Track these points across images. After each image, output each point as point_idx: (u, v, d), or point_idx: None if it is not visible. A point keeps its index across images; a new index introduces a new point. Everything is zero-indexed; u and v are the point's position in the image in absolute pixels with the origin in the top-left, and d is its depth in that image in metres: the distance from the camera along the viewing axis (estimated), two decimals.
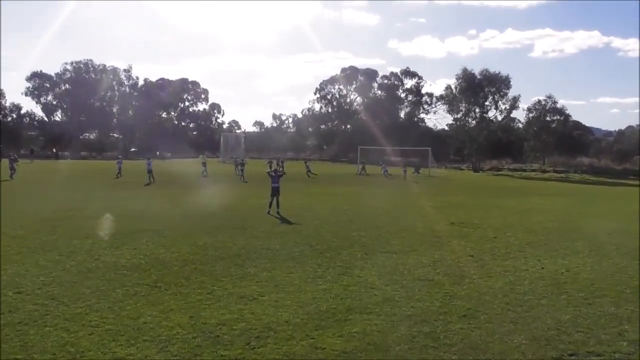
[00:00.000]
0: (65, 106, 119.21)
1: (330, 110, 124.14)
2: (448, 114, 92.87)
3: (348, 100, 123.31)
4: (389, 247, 15.59)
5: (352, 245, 15.60)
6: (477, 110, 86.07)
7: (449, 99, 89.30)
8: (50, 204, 24.38)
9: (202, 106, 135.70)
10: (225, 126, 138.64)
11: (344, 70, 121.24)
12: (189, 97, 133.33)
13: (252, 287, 11.01)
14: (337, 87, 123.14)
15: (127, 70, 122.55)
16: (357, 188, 38.91)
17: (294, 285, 11.20)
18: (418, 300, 10.39)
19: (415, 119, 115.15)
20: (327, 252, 14.55)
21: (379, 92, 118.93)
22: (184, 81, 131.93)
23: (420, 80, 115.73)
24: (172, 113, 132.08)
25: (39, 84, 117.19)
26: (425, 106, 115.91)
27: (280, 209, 22.42)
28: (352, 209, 24.60)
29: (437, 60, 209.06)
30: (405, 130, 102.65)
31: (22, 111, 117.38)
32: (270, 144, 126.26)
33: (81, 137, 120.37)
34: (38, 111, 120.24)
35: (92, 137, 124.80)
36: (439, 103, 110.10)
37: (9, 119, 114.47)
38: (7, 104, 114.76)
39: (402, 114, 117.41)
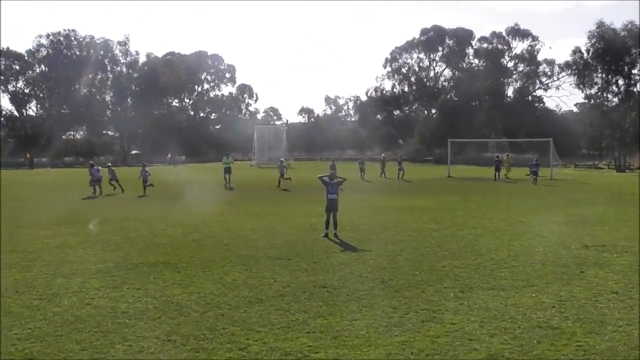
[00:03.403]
0: (41, 95, 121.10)
1: (406, 89, 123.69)
2: (577, 89, 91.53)
3: (431, 74, 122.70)
4: (494, 281, 15.47)
5: (442, 280, 15.54)
6: (620, 82, 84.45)
7: (578, 68, 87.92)
8: (24, 229, 25.06)
9: (227, 89, 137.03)
10: (259, 116, 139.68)
11: (424, 31, 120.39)
12: (209, 77, 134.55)
13: (302, 340, 11.07)
14: (415, 56, 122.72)
15: (124, 43, 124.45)
16: (448, 199, 38.70)
17: (360, 337, 11.20)
18: (538, 357, 10.30)
19: (529, 98, 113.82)
20: (405, 290, 14.52)
21: (476, 60, 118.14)
22: (201, 55, 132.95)
23: (536, 42, 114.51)
24: (186, 100, 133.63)
25: (6, 65, 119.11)
26: (544, 79, 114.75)
27: (337, 231, 22.53)
28: (441, 229, 24.48)
29: (556, 13, 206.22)
30: (514, 115, 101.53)
31: None
32: (322, 139, 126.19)
33: (64, 136, 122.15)
34: (5, 103, 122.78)
35: (78, 136, 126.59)
36: (563, 74, 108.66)
37: None
38: None
39: (509, 91, 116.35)
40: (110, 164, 47.29)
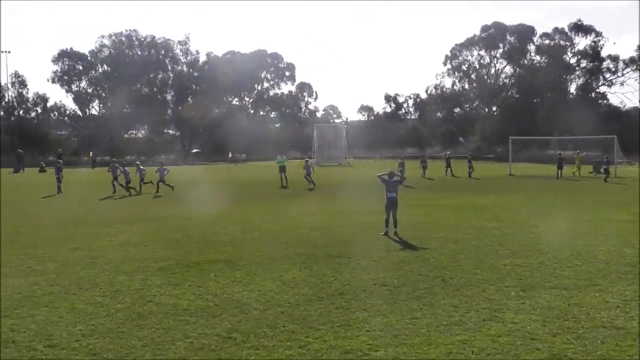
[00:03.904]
0: (104, 95, 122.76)
1: (467, 86, 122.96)
2: None
3: (492, 71, 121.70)
4: (557, 280, 15.28)
5: (503, 279, 15.41)
6: None
7: None
8: (87, 227, 25.53)
9: (286, 87, 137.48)
10: (319, 114, 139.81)
11: (485, 28, 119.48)
12: (269, 76, 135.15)
13: (362, 338, 11.07)
14: (475, 52, 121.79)
15: (184, 43, 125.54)
16: (509, 197, 38.32)
17: (421, 336, 11.17)
18: (602, 357, 10.14)
19: (593, 95, 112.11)
20: (466, 289, 14.44)
21: (537, 57, 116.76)
22: (260, 54, 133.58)
23: (599, 38, 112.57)
24: (246, 99, 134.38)
25: (70, 66, 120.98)
26: (608, 75, 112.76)
27: (398, 229, 22.50)
28: (503, 227, 24.27)
29: (622, 7, 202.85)
30: (577, 112, 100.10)
31: (49, 103, 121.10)
32: (382, 137, 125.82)
33: (126, 135, 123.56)
34: (69, 102, 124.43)
35: (140, 135, 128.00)
36: (627, 70, 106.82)
37: (33, 114, 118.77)
38: (30, 95, 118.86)
39: (572, 88, 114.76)
40: (138, 163, 47.11)
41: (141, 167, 44.24)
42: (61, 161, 49.04)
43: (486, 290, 14.31)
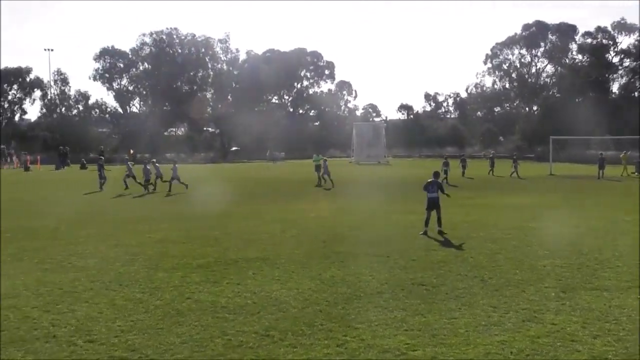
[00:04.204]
0: (144, 92, 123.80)
1: (507, 85, 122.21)
2: None
3: (533, 70, 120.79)
4: (598, 282, 15.11)
5: (543, 280, 15.28)
6: None
7: None
8: (126, 224, 25.75)
9: (326, 86, 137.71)
10: (358, 113, 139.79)
11: (526, 27, 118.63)
12: (308, 74, 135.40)
13: (400, 337, 11.04)
14: (516, 51, 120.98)
15: (224, 41, 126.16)
16: (549, 197, 38.02)
17: (459, 336, 11.12)
18: None
19: (636, 94, 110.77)
20: (505, 289, 14.35)
21: (579, 56, 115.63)
22: (300, 52, 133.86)
23: None
24: (286, 97, 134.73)
25: (111, 64, 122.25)
26: None
27: (442, 228, 22.52)
28: (542, 228, 24.08)
29: None
30: (619, 111, 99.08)
31: (90, 101, 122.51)
32: (422, 136, 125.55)
33: (165, 133, 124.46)
34: (110, 100, 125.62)
35: (180, 132, 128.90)
36: None
37: (74, 111, 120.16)
38: (72, 92, 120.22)
39: (615, 87, 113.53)
40: (154, 160, 46.72)
41: (157, 164, 44.11)
42: (103, 158, 49.39)
43: (525, 290, 14.21)
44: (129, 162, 44.40)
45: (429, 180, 23.19)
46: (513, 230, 23.37)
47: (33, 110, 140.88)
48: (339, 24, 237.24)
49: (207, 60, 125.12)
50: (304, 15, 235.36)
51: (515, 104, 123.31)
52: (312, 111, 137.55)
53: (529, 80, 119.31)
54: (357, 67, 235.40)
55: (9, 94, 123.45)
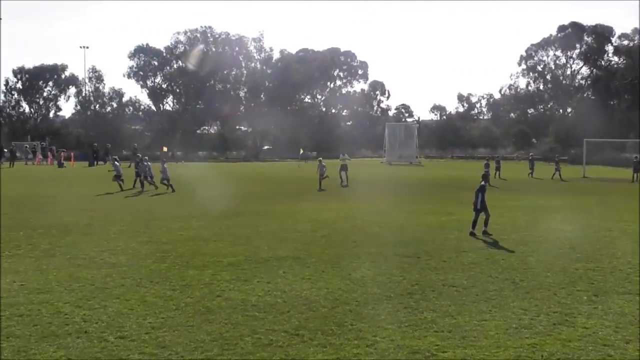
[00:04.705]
0: (178, 90, 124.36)
1: (541, 87, 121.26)
2: None
3: (568, 72, 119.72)
4: (631, 286, 15.00)
5: (575, 283, 15.19)
6: None
7: None
8: (159, 221, 25.92)
9: (359, 86, 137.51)
10: (391, 113, 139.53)
11: (562, 28, 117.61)
12: (341, 74, 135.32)
13: (430, 338, 11.04)
14: (551, 53, 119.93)
15: (258, 40, 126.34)
16: (583, 200, 37.70)
17: (489, 338, 11.10)
18: None
19: None
20: (536, 292, 14.28)
21: (615, 58, 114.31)
22: (333, 52, 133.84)
23: None
24: (319, 96, 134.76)
25: (145, 61, 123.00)
26: None
27: (487, 228, 22.61)
28: (575, 230, 23.90)
29: None
30: None
31: (124, 98, 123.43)
32: (454, 137, 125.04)
33: (198, 131, 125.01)
34: (144, 98, 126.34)
35: (212, 131, 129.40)
36: None
37: (108, 108, 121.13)
38: (106, 90, 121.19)
39: None
40: (146, 158, 45.40)
41: (147, 162, 42.86)
42: (140, 156, 49.57)
43: (557, 293, 14.14)
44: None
45: (482, 183, 23.19)
46: (545, 232, 23.25)
47: (67, 107, 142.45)
48: (373, 23, 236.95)
49: (241, 59, 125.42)
50: (338, 14, 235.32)
51: (549, 106, 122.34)
52: (345, 111, 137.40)
53: (564, 82, 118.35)
54: (391, 67, 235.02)
55: (44, 91, 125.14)
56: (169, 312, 12.55)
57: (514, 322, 12.05)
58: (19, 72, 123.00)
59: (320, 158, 49.05)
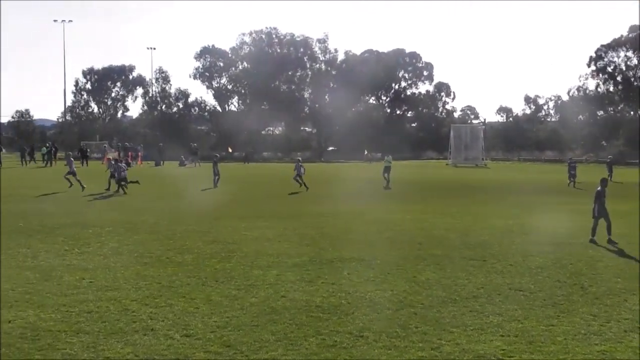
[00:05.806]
0: (243, 91, 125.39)
1: (612, 88, 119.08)
2: None
3: (639, 73, 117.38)
4: None
5: None
6: None
7: None
8: (224, 220, 26.14)
9: (424, 87, 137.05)
10: (456, 115, 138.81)
11: (633, 28, 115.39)
12: (406, 76, 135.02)
13: (496, 343, 10.95)
14: (622, 54, 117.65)
15: (323, 41, 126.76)
16: None
17: (557, 344, 10.96)
18: None
19: None
20: (606, 298, 14.05)
21: None
22: (398, 53, 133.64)
23: None
24: (383, 98, 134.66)
25: (211, 62, 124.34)
26: None
27: (611, 236, 21.93)
28: None
29: None
30: None
31: (190, 99, 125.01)
32: (521, 140, 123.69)
33: (263, 132, 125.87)
34: (209, 98, 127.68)
35: (277, 132, 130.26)
36: None
37: (174, 109, 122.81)
38: (172, 90, 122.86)
39: None
40: (123, 160, 44.18)
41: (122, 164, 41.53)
42: (218, 156, 50.19)
43: (628, 300, 13.89)
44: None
45: (598, 189, 22.73)
46: (615, 237, 22.82)
47: (135, 108, 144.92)
48: (438, 24, 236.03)
49: (306, 60, 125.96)
50: (403, 15, 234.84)
51: (619, 108, 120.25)
52: (410, 112, 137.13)
53: (635, 83, 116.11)
54: (456, 69, 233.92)
55: (112, 91, 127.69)
56: (234, 311, 12.66)
57: (582, 327, 11.88)
58: (89, 73, 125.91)
59: (299, 158, 48.70)
